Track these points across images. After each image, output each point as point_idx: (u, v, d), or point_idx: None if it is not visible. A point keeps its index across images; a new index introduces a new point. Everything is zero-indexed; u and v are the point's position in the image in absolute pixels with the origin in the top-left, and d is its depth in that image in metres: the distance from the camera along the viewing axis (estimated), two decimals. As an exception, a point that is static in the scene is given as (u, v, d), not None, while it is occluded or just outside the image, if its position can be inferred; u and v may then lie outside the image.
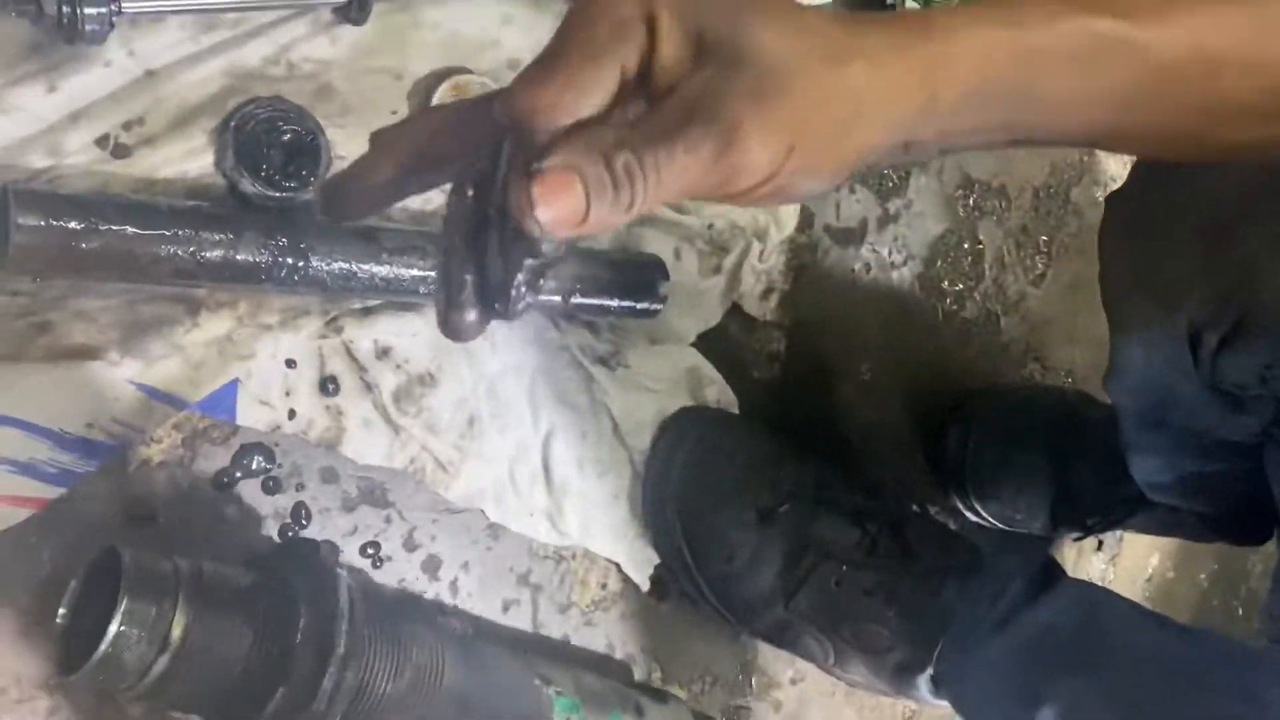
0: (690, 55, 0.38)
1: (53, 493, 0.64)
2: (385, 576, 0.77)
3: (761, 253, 0.95)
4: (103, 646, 0.56)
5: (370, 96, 0.75)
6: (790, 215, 0.97)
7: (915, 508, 1.11)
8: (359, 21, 0.72)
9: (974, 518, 1.11)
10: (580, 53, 0.38)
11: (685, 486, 0.85)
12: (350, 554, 0.76)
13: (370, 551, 0.76)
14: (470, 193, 0.39)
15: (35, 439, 0.63)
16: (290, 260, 0.67)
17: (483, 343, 0.81)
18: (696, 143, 0.36)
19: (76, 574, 0.60)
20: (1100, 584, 1.30)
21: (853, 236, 1.05)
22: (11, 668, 0.63)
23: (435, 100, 0.76)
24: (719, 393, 0.93)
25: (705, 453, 0.85)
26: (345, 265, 0.70)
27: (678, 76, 0.38)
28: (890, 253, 1.08)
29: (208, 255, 0.65)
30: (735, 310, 0.96)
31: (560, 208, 0.36)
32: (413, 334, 0.77)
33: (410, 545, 0.78)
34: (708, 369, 0.92)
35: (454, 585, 0.80)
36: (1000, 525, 1.10)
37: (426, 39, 0.77)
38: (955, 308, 1.14)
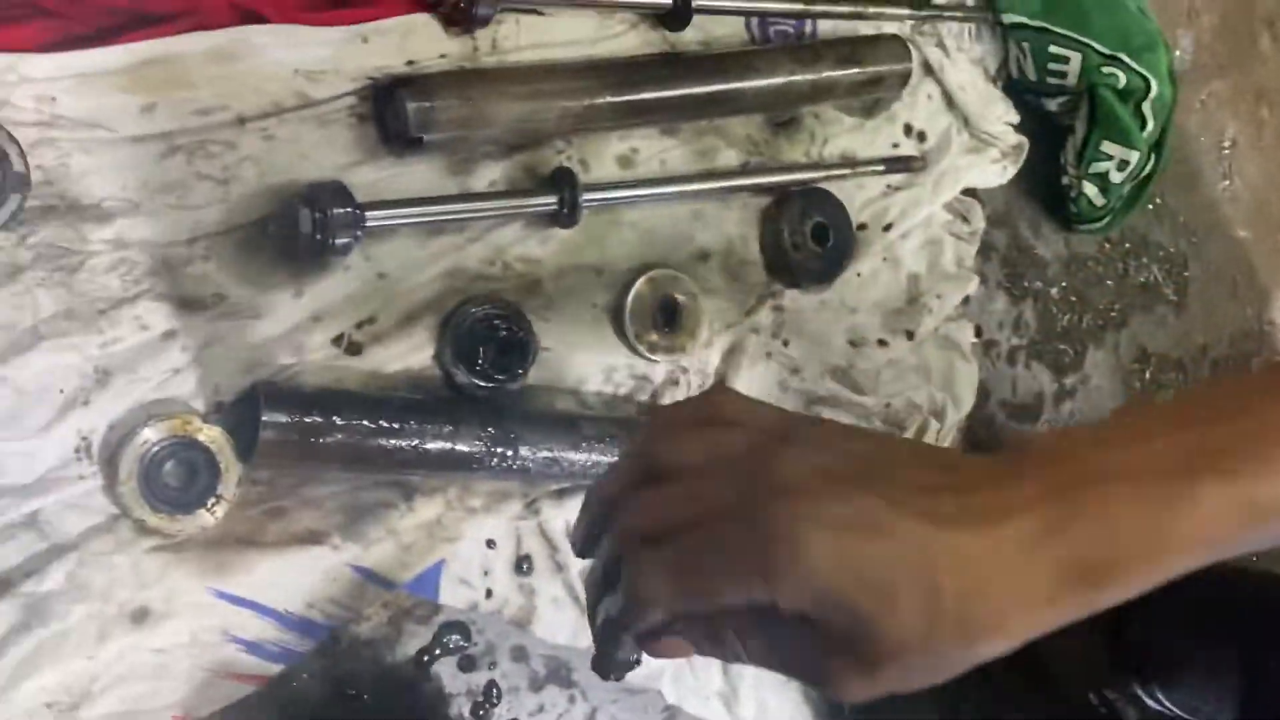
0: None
1: (273, 670, 0.68)
2: (565, 756, 0.78)
3: (939, 431, 0.95)
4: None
5: (574, 291, 0.79)
6: (968, 396, 0.97)
7: (1093, 696, 1.06)
8: (569, 224, 0.76)
9: (1156, 705, 1.05)
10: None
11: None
12: (533, 732, 0.77)
13: (557, 733, 0.77)
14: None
15: (264, 619, 0.67)
16: (501, 449, 0.71)
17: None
18: (798, 666, 0.40)
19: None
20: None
21: (1029, 412, 1.04)
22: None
23: (633, 292, 0.80)
24: (894, 572, 0.92)
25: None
26: (549, 453, 0.73)
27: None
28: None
29: (429, 447, 0.69)
30: (911, 486, 0.96)
31: (668, 654, 0.42)
32: (603, 516, 0.79)
33: (592, 726, 0.79)
34: (884, 549, 0.91)
35: (632, 768, 0.80)
36: (1185, 716, 1.04)
37: (626, 237, 0.81)
38: (1133, 483, 1.11)
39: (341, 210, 0.66)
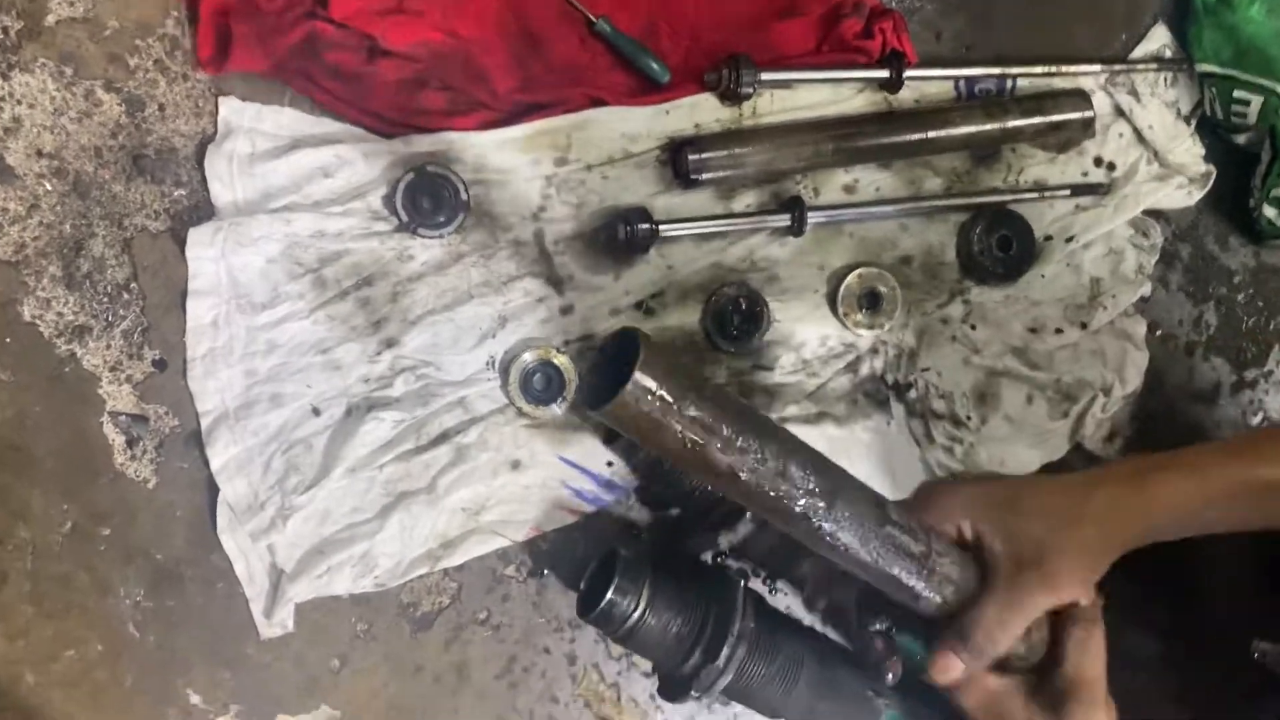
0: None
1: (589, 509, 1.09)
2: (776, 602, 1.12)
3: (1104, 405, 1.18)
4: (604, 600, 0.97)
5: (801, 280, 1.13)
6: (1135, 378, 1.18)
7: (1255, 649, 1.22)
8: (799, 234, 1.10)
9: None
10: None
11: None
12: (756, 584, 1.12)
13: (769, 584, 1.13)
14: None
15: (585, 476, 1.08)
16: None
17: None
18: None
19: (601, 552, 1.00)
20: None
21: (1204, 396, 1.23)
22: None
23: (845, 283, 1.12)
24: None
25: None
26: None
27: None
28: (1245, 414, 1.23)
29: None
30: (1079, 448, 1.19)
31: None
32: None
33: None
34: (1045, 492, 1.16)
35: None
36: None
37: (844, 243, 1.13)
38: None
39: (644, 225, 1.04)
